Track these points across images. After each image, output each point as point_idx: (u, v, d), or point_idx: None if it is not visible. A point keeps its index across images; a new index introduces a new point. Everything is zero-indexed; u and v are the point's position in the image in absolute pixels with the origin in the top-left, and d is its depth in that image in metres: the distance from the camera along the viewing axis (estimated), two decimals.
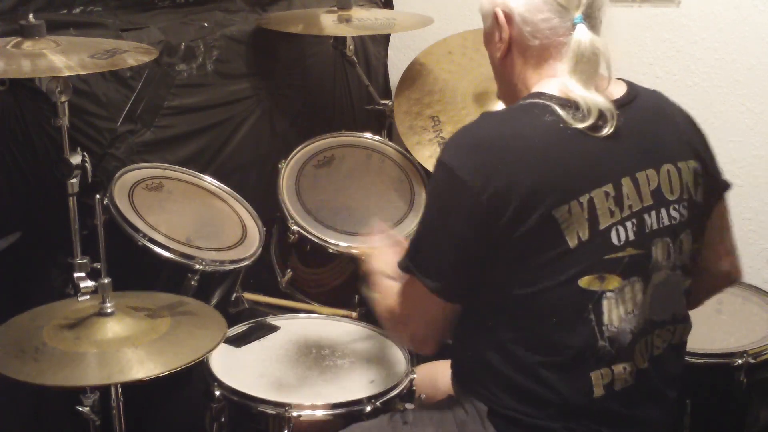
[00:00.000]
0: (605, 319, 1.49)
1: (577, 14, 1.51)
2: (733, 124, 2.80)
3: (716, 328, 2.25)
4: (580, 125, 1.47)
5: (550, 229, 1.44)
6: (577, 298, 1.47)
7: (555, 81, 1.53)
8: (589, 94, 1.48)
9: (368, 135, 2.73)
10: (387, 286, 1.68)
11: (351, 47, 2.79)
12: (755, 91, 2.75)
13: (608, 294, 1.49)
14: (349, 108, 3.06)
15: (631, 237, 1.50)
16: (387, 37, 3.20)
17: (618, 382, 1.52)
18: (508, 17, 1.56)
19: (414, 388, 1.93)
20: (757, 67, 2.73)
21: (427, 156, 2.65)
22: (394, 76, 3.09)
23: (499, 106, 1.84)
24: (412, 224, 2.48)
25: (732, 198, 2.82)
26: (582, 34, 1.50)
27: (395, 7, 3.19)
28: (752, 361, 2.07)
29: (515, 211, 1.43)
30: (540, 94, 1.52)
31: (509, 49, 1.59)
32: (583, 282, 1.47)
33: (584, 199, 1.46)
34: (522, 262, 1.47)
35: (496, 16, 1.57)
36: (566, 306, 1.48)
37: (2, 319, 1.84)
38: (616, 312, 1.50)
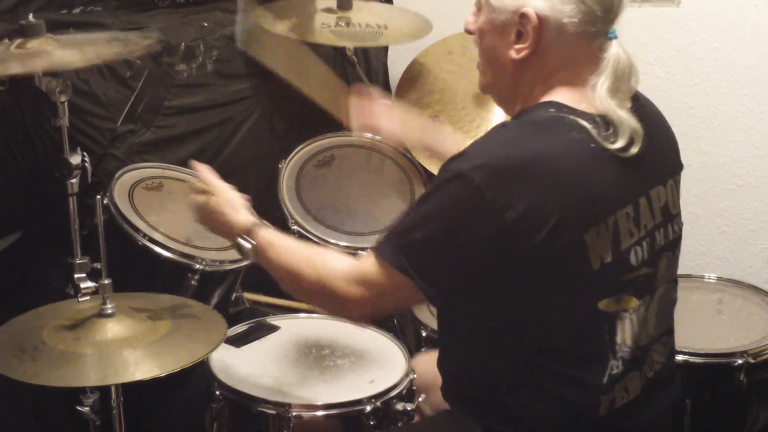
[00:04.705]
0: (618, 338, 1.48)
1: (612, 28, 1.47)
2: (733, 124, 2.80)
3: (716, 328, 2.25)
4: (611, 147, 1.42)
5: (577, 253, 1.40)
6: (594, 320, 1.46)
7: (570, 91, 1.48)
8: (625, 115, 1.44)
9: (368, 135, 2.72)
10: (289, 246, 1.63)
11: (351, 47, 2.79)
12: (755, 91, 2.75)
13: (623, 314, 1.47)
14: None
15: (646, 256, 1.49)
16: None
17: (619, 399, 1.50)
18: (542, 21, 1.45)
19: (414, 388, 1.93)
20: (757, 67, 2.73)
21: (428, 156, 2.64)
22: (394, 76, 3.09)
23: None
24: None
25: (732, 198, 2.85)
26: (620, 51, 1.46)
27: (395, 4, 3.18)
28: (752, 361, 2.07)
29: (545, 236, 1.37)
30: (559, 105, 1.46)
31: (531, 52, 1.48)
32: (602, 304, 1.45)
33: (611, 221, 1.43)
34: (542, 284, 1.43)
35: (524, 16, 1.45)
36: (583, 328, 1.46)
37: (2, 319, 1.84)
38: (630, 331, 1.49)
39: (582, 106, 1.46)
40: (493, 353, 1.52)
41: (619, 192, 1.46)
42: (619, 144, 1.43)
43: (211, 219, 1.75)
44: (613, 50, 1.46)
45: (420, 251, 1.44)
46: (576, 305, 1.45)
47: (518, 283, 1.43)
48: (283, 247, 1.64)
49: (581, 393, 1.48)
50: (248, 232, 1.67)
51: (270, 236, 1.66)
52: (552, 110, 1.46)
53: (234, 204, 1.73)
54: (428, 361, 1.94)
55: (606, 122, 1.44)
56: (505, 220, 1.37)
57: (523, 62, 1.50)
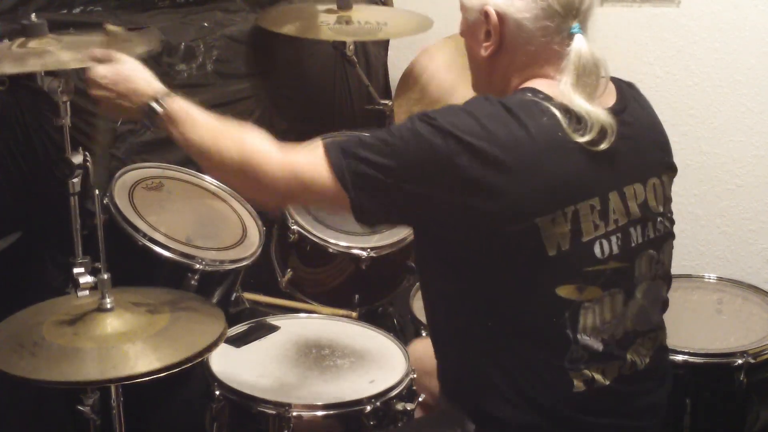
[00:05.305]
0: (580, 327, 1.49)
1: (575, 23, 1.49)
2: (733, 124, 2.80)
3: (716, 328, 2.26)
4: (580, 139, 1.45)
5: (531, 236, 1.43)
6: (553, 305, 1.48)
7: (546, 82, 1.51)
8: (593, 109, 1.46)
9: None
10: (207, 120, 1.58)
11: (351, 47, 2.79)
12: (755, 91, 2.75)
13: (586, 304, 1.49)
14: (349, 108, 3.06)
15: (615, 251, 1.50)
16: None
17: (597, 383, 1.52)
18: (502, 19, 1.51)
19: (414, 388, 1.93)
20: (757, 67, 2.73)
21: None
22: (394, 76, 3.09)
23: None
24: None
25: (732, 198, 2.85)
26: (582, 46, 1.48)
27: (395, 5, 3.18)
28: (752, 361, 2.07)
29: (498, 212, 1.42)
30: (535, 91, 1.49)
31: (497, 49, 1.54)
32: (562, 291, 1.47)
33: (569, 210, 1.45)
34: (498, 262, 1.46)
35: (486, 14, 1.52)
36: (542, 312, 1.49)
37: (2, 319, 1.84)
38: (592, 321, 1.50)
39: (558, 97, 1.48)
40: (472, 335, 1.54)
41: (584, 183, 1.47)
42: (588, 138, 1.45)
43: (116, 87, 1.61)
44: (575, 45, 1.48)
45: (370, 177, 1.45)
46: (532, 288, 1.48)
47: (475, 255, 1.47)
48: (200, 120, 1.58)
49: (548, 371, 1.50)
50: (161, 99, 1.59)
51: (186, 106, 1.59)
52: (528, 95, 1.49)
53: (145, 74, 1.62)
54: (424, 349, 1.94)
55: (578, 116, 1.46)
56: (466, 186, 1.41)
57: (493, 59, 1.55)
